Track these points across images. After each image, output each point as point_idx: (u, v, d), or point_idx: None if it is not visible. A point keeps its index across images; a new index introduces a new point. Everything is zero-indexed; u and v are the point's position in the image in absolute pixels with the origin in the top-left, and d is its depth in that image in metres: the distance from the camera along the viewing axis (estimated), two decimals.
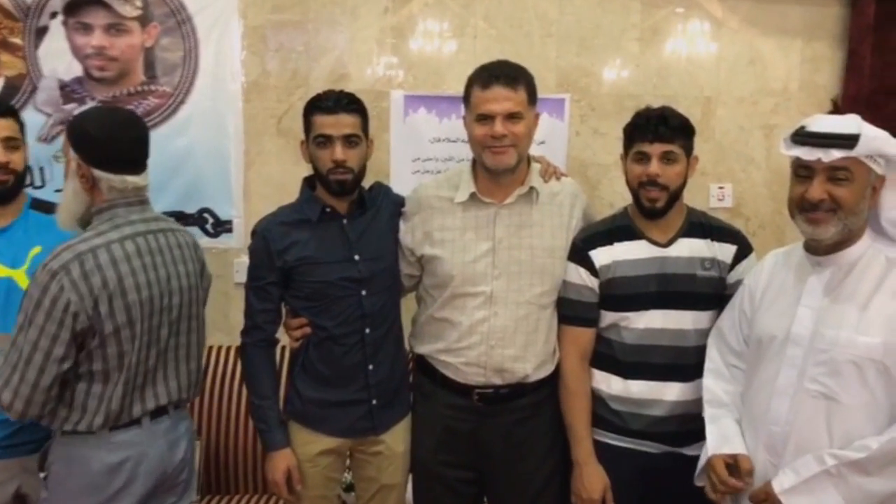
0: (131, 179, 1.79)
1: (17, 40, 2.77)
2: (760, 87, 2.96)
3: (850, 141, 1.54)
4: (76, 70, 2.82)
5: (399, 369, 2.11)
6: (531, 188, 1.99)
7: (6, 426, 1.90)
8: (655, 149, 1.88)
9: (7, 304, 1.93)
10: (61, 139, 2.79)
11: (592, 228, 2.04)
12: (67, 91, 2.82)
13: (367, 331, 2.00)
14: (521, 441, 2.03)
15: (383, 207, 2.11)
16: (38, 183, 2.83)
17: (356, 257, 2.00)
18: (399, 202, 2.14)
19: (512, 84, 1.88)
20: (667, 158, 1.89)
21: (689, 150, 1.93)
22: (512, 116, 1.88)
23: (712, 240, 1.97)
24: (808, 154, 1.58)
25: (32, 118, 2.78)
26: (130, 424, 1.80)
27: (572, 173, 2.89)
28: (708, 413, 1.82)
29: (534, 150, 2.81)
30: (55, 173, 2.82)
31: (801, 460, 1.58)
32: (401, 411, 2.10)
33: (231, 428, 2.75)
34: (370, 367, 2.02)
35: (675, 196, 1.92)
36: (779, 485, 1.58)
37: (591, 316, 2.00)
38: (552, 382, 2.04)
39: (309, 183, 2.08)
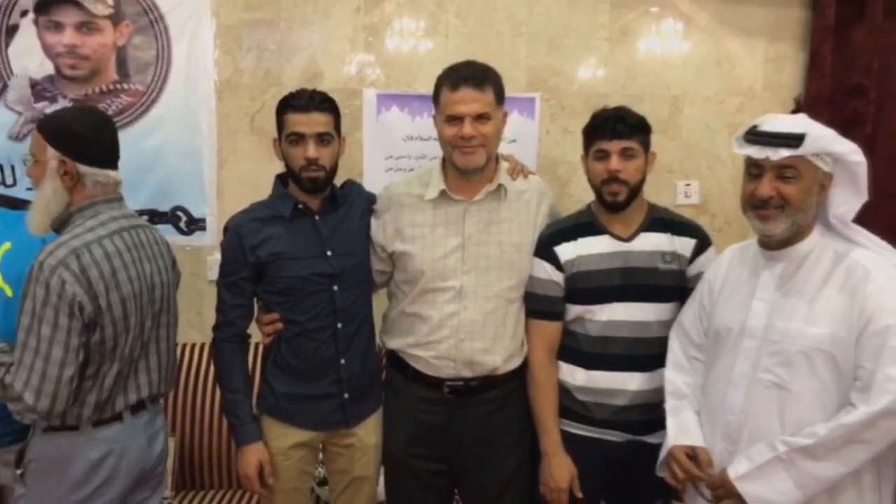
0: (112, 174, 1.85)
1: None
2: (726, 86, 3.03)
3: (796, 140, 1.59)
4: (48, 68, 2.82)
5: (370, 364, 2.14)
6: (499, 186, 2.03)
7: None
8: (615, 146, 1.94)
9: None
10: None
11: (557, 225, 2.09)
12: (39, 89, 2.82)
13: (339, 325, 2.03)
14: (490, 433, 2.07)
15: (355, 204, 2.14)
16: (9, 181, 2.83)
17: (328, 253, 2.03)
18: (371, 199, 2.17)
19: (480, 85, 1.92)
20: (626, 154, 1.95)
21: (646, 146, 2.00)
22: (480, 117, 1.92)
23: (673, 234, 2.03)
24: (757, 153, 1.63)
25: (3, 116, 2.81)
26: (112, 420, 1.83)
27: (543, 171, 2.94)
28: (669, 405, 1.87)
29: (505, 149, 2.85)
30: None
31: (754, 447, 1.64)
32: (372, 405, 2.14)
33: (205, 424, 2.76)
34: (342, 361, 2.04)
35: (635, 190, 1.98)
36: (734, 471, 1.64)
37: (557, 309, 2.05)
38: (520, 375, 2.09)
39: (281, 180, 2.11)
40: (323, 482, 2.47)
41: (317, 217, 2.05)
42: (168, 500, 2.64)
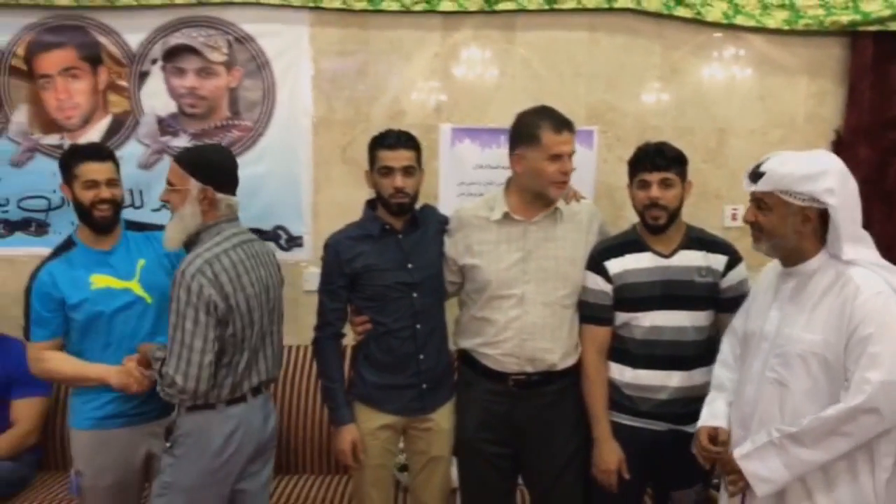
0: (235, 199, 2.26)
1: (123, 83, 3.24)
2: (770, 119, 3.26)
3: (756, 178, 1.87)
4: (171, 107, 3.27)
5: (444, 359, 2.48)
6: (556, 209, 2.36)
7: (135, 397, 2.34)
8: (654, 176, 2.24)
9: (129, 307, 2.38)
10: (159, 166, 3.26)
11: (607, 243, 2.40)
12: (164, 125, 3.28)
13: (418, 326, 2.38)
14: (549, 422, 2.37)
15: (431, 225, 2.48)
16: (137, 204, 3.29)
17: (409, 266, 2.38)
18: (444, 221, 2.52)
19: (573, 129, 2.30)
20: (664, 184, 2.24)
21: (683, 176, 2.28)
22: (570, 155, 2.29)
23: (708, 252, 2.30)
24: (744, 185, 1.94)
25: (134, 149, 3.27)
26: (239, 400, 2.21)
27: (599, 196, 3.25)
28: (710, 395, 2.14)
29: None
30: (153, 196, 3.27)
31: (758, 434, 1.89)
32: (446, 395, 2.47)
33: (300, 416, 3.15)
34: (420, 356, 2.39)
35: (673, 214, 2.27)
36: (738, 452, 1.90)
37: (606, 316, 2.34)
38: (575, 372, 2.38)
39: (371, 205, 2.47)
40: (403, 468, 2.81)
41: (400, 236, 2.41)
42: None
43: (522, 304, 2.33)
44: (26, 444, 3.00)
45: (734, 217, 3.31)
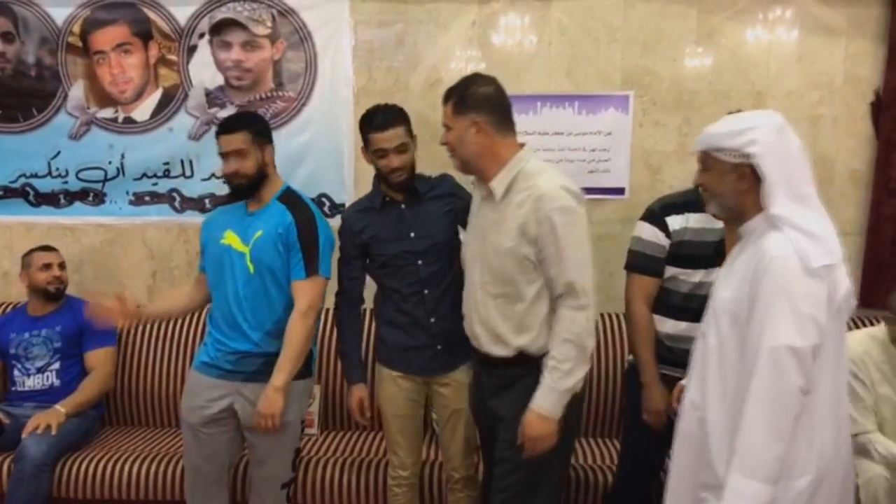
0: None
1: (173, 57, 3.38)
2: (807, 81, 3.25)
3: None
4: (218, 80, 3.40)
5: (460, 321, 2.34)
6: (489, 191, 2.16)
7: (230, 355, 2.51)
8: None
9: (234, 270, 2.50)
10: (207, 136, 3.37)
11: (669, 199, 2.47)
12: (211, 97, 3.41)
13: (426, 292, 2.46)
14: (494, 407, 2.26)
15: (441, 194, 2.53)
16: (188, 174, 3.45)
17: (412, 235, 2.45)
18: (455, 187, 2.55)
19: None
20: None
21: None
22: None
23: None
24: None
25: (184, 120, 3.41)
26: None
27: (636, 160, 3.30)
28: None
29: (601, 141, 3.25)
30: (202, 166, 3.44)
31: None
32: (465, 355, 2.45)
33: (342, 377, 3.24)
34: (432, 319, 2.47)
35: None
36: None
37: (658, 268, 2.42)
38: (518, 364, 2.18)
39: (378, 177, 2.52)
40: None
41: (403, 206, 2.48)
42: (315, 437, 3.19)
43: (471, 284, 2.27)
44: (107, 388, 3.26)
45: None
